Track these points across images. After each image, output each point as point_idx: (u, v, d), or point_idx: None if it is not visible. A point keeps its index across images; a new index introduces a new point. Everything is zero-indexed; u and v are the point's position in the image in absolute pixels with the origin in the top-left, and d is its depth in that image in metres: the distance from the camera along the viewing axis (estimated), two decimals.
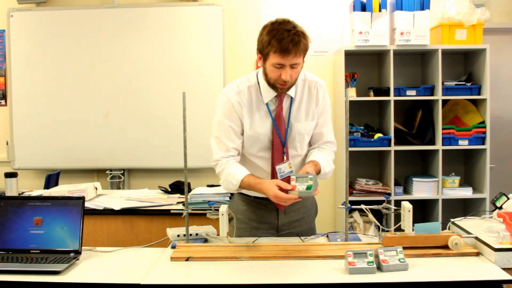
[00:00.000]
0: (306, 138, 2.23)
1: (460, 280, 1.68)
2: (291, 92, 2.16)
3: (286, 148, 2.17)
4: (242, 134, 2.18)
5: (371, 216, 2.14)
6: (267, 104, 2.15)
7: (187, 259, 1.93)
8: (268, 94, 2.14)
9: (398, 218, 2.11)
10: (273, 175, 2.18)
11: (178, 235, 2.16)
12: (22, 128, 4.31)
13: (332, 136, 2.30)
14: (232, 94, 2.15)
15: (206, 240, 2.18)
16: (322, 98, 2.22)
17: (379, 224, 2.13)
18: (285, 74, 2.01)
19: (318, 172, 2.13)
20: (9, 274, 1.81)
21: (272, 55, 1.99)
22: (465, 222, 2.27)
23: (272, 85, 2.10)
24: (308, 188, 1.86)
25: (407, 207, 2.00)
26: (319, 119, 2.24)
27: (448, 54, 3.98)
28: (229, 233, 2.14)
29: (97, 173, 4.44)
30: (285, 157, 2.17)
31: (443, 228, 2.08)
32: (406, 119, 4.11)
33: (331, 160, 2.23)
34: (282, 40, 1.94)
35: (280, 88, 2.08)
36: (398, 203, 2.19)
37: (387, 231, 2.11)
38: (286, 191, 1.95)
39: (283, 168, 2.14)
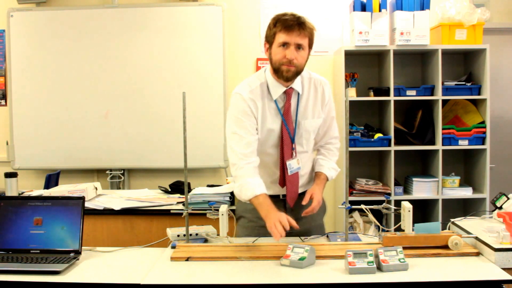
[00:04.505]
0: (312, 135, 2.28)
1: (460, 280, 1.68)
2: (298, 88, 2.19)
3: (295, 144, 2.21)
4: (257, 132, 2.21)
5: (371, 216, 2.14)
6: (275, 100, 2.18)
7: (187, 259, 1.93)
8: (277, 90, 2.17)
9: (398, 218, 2.11)
10: (282, 171, 2.20)
11: (178, 235, 2.16)
12: (22, 128, 4.31)
13: (337, 131, 2.37)
14: (245, 92, 2.17)
15: (206, 240, 2.19)
16: (328, 96, 2.27)
17: (379, 224, 2.13)
18: (290, 53, 2.06)
19: (326, 181, 2.25)
20: (9, 274, 1.81)
21: (277, 35, 2.07)
22: (465, 222, 2.27)
23: (277, 70, 2.11)
24: (301, 259, 1.83)
25: (407, 207, 2.00)
26: (326, 117, 2.29)
27: (448, 54, 3.98)
28: (231, 233, 2.14)
29: (97, 173, 4.44)
30: (293, 153, 2.20)
31: (443, 228, 2.08)
32: (406, 119, 4.11)
33: (335, 163, 2.33)
34: (287, 20, 2.06)
35: (285, 71, 2.09)
36: (398, 203, 2.20)
37: (387, 231, 2.11)
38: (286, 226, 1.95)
39: (292, 164, 2.19)
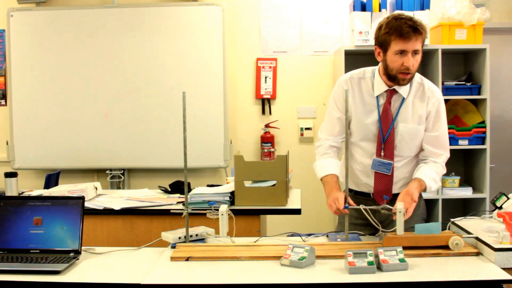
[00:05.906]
0: (409, 141, 2.24)
1: (460, 280, 1.68)
2: (403, 91, 2.20)
3: (386, 144, 2.21)
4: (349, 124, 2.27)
5: (370, 217, 2.13)
6: (377, 97, 2.21)
7: (187, 259, 1.93)
8: (380, 88, 2.21)
9: None
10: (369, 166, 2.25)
11: (180, 237, 2.14)
12: (22, 128, 4.31)
13: (445, 148, 2.29)
14: (343, 79, 2.30)
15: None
16: (433, 108, 2.22)
17: (378, 225, 2.12)
18: (407, 61, 2.08)
19: (424, 190, 2.17)
20: (9, 274, 1.81)
21: (393, 43, 2.08)
22: (465, 222, 2.26)
23: (393, 77, 2.14)
24: (301, 259, 1.83)
25: (398, 208, 1.98)
26: (433, 127, 2.24)
27: (448, 54, 3.98)
28: (231, 233, 2.13)
29: (97, 173, 4.44)
30: (382, 153, 2.21)
31: (443, 228, 2.08)
32: None
33: (439, 176, 2.23)
34: (402, 26, 2.05)
35: (401, 79, 2.13)
36: None
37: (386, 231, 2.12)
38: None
39: (378, 162, 2.22)
